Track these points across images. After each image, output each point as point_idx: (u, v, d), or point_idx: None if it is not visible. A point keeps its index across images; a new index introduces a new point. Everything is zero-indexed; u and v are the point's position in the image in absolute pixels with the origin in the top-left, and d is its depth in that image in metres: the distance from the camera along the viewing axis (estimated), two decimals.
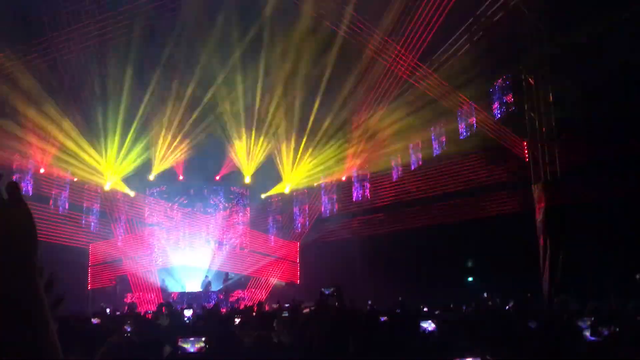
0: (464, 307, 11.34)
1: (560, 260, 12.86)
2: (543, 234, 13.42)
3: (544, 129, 13.83)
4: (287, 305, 13.90)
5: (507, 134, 14.91)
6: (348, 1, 15.22)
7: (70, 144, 18.90)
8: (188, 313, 9.25)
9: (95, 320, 9.39)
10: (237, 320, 8.53)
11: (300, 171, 22.32)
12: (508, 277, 14.77)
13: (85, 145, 19.44)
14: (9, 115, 16.89)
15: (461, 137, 16.62)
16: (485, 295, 14.59)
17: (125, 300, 20.76)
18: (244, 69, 18.28)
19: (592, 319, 6.14)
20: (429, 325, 6.68)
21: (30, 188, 19.05)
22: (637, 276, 10.83)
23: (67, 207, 20.45)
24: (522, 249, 14.14)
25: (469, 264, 18.27)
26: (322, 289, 9.76)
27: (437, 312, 10.44)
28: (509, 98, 15.10)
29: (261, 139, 21.47)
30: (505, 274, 14.98)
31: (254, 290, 21.97)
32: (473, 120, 16.21)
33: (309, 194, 23.26)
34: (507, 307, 11.22)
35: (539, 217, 13.57)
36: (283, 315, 8.87)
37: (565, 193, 13.27)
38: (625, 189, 11.88)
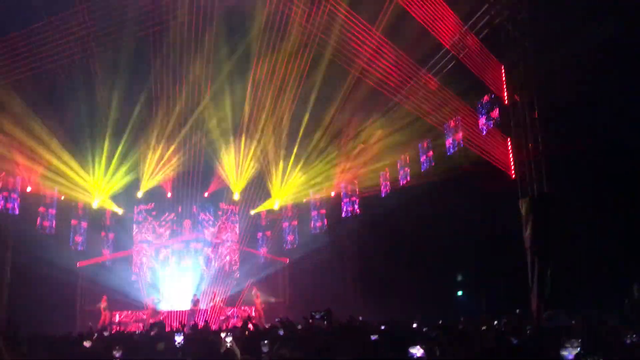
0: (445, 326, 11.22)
1: (549, 275, 12.90)
2: (531, 248, 13.47)
3: (530, 145, 13.94)
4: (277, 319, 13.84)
5: (494, 150, 15.05)
6: (335, 19, 15.26)
7: (57, 163, 18.84)
8: (179, 338, 9.16)
9: (87, 344, 9.32)
10: (224, 336, 8.46)
11: (290, 187, 22.37)
12: (498, 292, 14.88)
13: (73, 164, 19.38)
14: None
15: (448, 153, 16.74)
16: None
17: (113, 319, 20.63)
18: (232, 85, 18.32)
19: (577, 345, 6.06)
20: (417, 351, 6.60)
21: (16, 207, 18.90)
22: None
23: (54, 225, 20.31)
24: (512, 264, 14.20)
25: (459, 278, 18.31)
26: (313, 313, 9.57)
27: (425, 330, 10.44)
28: (495, 114, 15.23)
29: (250, 155, 21.50)
30: (494, 289, 15.09)
31: (242, 308, 21.87)
32: (459, 136, 16.32)
33: (298, 210, 23.26)
34: (496, 323, 11.26)
35: (527, 232, 13.64)
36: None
37: (553, 207, 13.34)
38: (613, 201, 12.01)
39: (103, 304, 20.08)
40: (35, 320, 17.11)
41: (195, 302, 20.96)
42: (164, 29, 15.27)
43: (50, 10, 13.82)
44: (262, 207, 23.50)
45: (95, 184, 20.77)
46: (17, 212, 18.81)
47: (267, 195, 22.88)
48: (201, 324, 19.58)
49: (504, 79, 14.96)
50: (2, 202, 18.47)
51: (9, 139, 17.29)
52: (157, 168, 21.21)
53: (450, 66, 15.83)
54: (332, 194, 22.06)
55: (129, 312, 21.32)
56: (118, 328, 19.55)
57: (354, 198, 21.42)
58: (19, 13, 13.44)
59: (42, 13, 13.72)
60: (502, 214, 15.03)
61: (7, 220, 18.55)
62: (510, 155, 14.79)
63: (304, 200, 22.92)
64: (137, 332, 14.55)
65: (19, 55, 14.52)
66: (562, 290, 12.42)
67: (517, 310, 13.16)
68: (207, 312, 20.86)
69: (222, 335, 8.44)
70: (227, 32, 16.19)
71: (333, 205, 22.15)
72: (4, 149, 17.37)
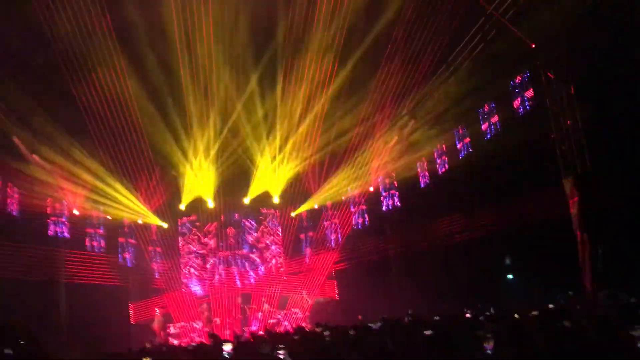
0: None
1: (600, 253, 12.60)
2: (580, 227, 13.18)
3: (568, 122, 13.62)
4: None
5: (532, 131, 14.75)
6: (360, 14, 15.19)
7: (100, 184, 19.29)
8: (227, 348, 9.22)
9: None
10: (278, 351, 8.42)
11: (328, 186, 22.38)
12: (548, 274, 14.60)
13: (116, 184, 19.83)
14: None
15: (486, 138, 16.51)
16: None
17: (168, 331, 21.06)
18: (263, 90, 18.43)
19: None
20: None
21: (65, 231, 19.48)
22: None
23: (103, 245, 20.84)
24: (560, 245, 13.92)
25: (507, 261, 18.07)
26: (369, 324, 9.31)
27: (481, 318, 10.33)
28: (530, 94, 14.95)
29: (286, 158, 21.59)
30: (544, 271, 14.81)
31: (292, 310, 22.01)
32: (496, 119, 16.08)
33: (338, 208, 23.27)
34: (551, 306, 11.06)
35: (573, 210, 13.35)
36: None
37: (598, 184, 13.03)
38: None
39: (157, 318, 20.51)
40: (91, 337, 17.68)
41: (244, 310, 21.36)
42: (191, 43, 15.43)
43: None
44: (303, 208, 23.58)
45: (139, 201, 21.21)
46: (66, 235, 19.38)
47: (306, 196, 22.96)
48: (253, 329, 19.96)
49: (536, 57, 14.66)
50: (52, 226, 19.07)
51: (52, 166, 17.82)
52: (197, 180, 21.48)
53: (479, 49, 15.57)
54: (371, 188, 21.99)
55: (183, 323, 21.72)
56: (173, 340, 19.99)
57: (393, 191, 21.33)
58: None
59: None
60: (546, 193, 14.76)
61: (58, 243, 19.12)
62: (550, 134, 14.48)
63: (342, 197, 22.93)
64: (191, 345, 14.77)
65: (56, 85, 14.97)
66: (615, 268, 12.12)
67: (570, 292, 12.94)
68: (258, 318, 21.11)
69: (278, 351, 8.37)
70: (253, 38, 16.25)
71: (373, 200, 22.08)
72: (48, 176, 17.90)
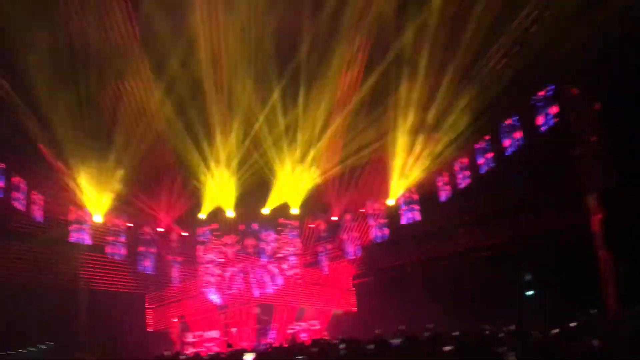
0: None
1: (624, 271, 12.41)
2: (603, 244, 13.00)
3: (593, 138, 13.47)
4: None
5: (556, 146, 14.61)
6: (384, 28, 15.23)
7: (122, 192, 19.47)
8: (248, 358, 9.22)
9: None
10: None
11: (347, 198, 22.34)
12: (569, 291, 14.39)
13: (137, 192, 20.00)
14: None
15: (507, 153, 16.39)
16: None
17: (185, 339, 21.13)
18: (284, 103, 18.53)
19: None
20: None
21: (87, 238, 19.67)
22: None
23: (123, 253, 21.00)
24: (581, 263, 13.73)
25: (527, 277, 17.86)
26: (388, 340, 9.23)
27: (501, 335, 10.21)
28: (554, 110, 14.81)
29: (306, 169, 21.62)
30: (565, 287, 14.61)
31: (309, 322, 21.95)
32: (518, 135, 15.95)
33: (357, 221, 23.20)
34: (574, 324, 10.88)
35: (596, 227, 13.18)
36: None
37: (622, 201, 12.84)
38: None
39: (175, 326, 20.62)
40: (109, 344, 17.81)
41: (260, 319, 21.35)
42: (216, 54, 15.57)
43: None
44: (321, 220, 23.56)
45: (160, 210, 21.39)
46: (88, 242, 19.57)
47: (325, 207, 22.93)
48: (270, 340, 19.98)
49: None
50: (74, 233, 19.28)
51: (76, 173, 18.05)
52: (218, 190, 21.58)
53: (502, 62, 15.50)
54: (391, 202, 21.91)
55: (200, 332, 21.78)
56: (190, 348, 20.06)
57: (413, 205, 21.22)
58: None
59: None
60: (567, 209, 14.58)
61: (79, 250, 19.32)
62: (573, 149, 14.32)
63: (361, 210, 22.89)
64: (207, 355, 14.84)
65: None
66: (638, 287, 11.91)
67: (593, 311, 12.73)
68: (275, 328, 21.11)
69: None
70: (276, 50, 16.35)
71: (392, 213, 21.99)
72: (72, 183, 18.12)
